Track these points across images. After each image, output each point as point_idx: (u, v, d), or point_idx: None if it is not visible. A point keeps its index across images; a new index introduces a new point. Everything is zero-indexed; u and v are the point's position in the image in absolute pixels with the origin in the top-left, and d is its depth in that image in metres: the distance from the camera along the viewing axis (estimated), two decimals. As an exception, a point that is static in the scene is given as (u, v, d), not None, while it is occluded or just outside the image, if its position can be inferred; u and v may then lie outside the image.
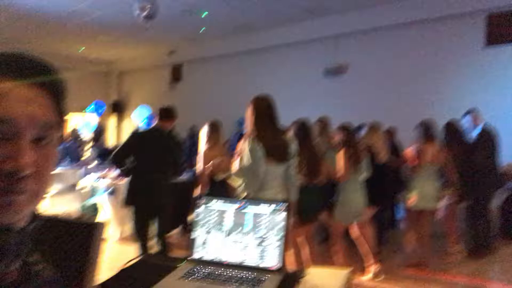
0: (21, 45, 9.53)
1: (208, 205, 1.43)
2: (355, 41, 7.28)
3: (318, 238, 4.37)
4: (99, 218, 4.99)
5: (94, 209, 5.31)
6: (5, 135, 0.50)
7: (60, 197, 5.48)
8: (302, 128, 3.34)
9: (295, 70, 8.12)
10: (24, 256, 0.55)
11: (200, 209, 1.43)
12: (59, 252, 1.21)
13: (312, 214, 3.25)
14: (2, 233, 0.50)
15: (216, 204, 1.43)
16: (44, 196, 0.55)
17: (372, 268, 3.64)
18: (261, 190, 2.49)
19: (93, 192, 5.36)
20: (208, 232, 1.41)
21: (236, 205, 1.41)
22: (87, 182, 5.45)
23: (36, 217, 0.55)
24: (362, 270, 3.69)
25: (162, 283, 1.22)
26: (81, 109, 10.62)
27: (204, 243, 1.40)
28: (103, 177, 5.29)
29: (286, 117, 3.61)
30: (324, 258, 3.75)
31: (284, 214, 1.37)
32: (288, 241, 1.41)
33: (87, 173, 5.91)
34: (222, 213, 1.41)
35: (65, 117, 0.60)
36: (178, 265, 1.35)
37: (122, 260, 1.36)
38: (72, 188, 5.69)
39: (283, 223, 1.37)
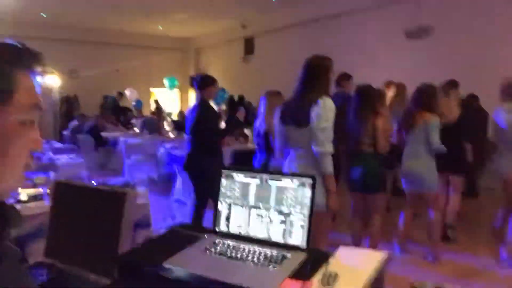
0: (101, 27, 10.30)
1: (232, 177, 1.40)
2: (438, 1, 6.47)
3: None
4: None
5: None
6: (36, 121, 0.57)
7: (139, 165, 5.97)
8: (362, 94, 3.12)
9: (373, 35, 7.53)
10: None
11: (225, 181, 1.40)
12: (91, 219, 1.30)
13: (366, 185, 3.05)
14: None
15: (240, 177, 1.38)
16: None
17: None
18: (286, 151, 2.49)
19: (169, 161, 5.73)
20: (232, 205, 1.38)
21: (260, 178, 1.36)
22: (164, 152, 5.83)
23: None
24: None
25: (182, 254, 1.23)
26: (161, 84, 11.27)
27: (228, 216, 1.38)
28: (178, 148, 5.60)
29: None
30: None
31: (309, 190, 1.28)
32: (314, 218, 1.32)
33: (164, 143, 6.32)
34: (245, 185, 1.37)
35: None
36: (201, 237, 1.35)
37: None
38: (150, 157, 6.16)
39: (309, 199, 1.28)
